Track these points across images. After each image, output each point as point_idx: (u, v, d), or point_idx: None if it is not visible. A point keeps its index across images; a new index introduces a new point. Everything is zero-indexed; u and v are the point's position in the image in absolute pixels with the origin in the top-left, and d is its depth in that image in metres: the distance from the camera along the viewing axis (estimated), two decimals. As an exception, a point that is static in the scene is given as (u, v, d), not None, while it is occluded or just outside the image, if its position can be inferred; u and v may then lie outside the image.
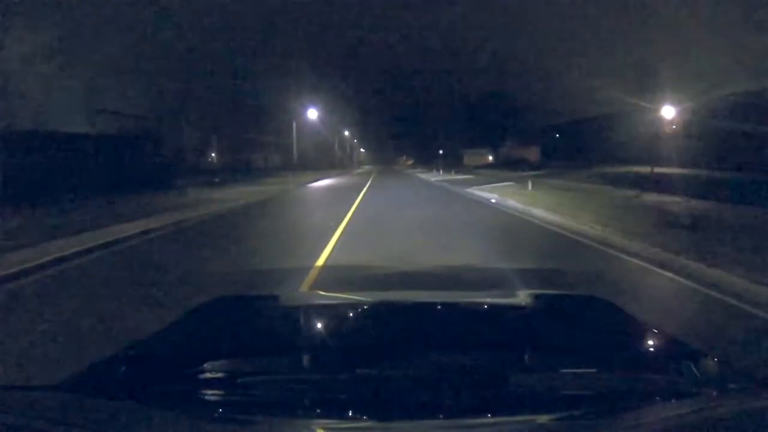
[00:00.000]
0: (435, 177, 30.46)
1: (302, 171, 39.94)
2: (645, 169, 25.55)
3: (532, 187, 15.64)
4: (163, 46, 29.84)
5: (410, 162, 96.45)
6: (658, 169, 18.69)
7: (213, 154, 47.58)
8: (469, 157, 62.60)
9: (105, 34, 24.33)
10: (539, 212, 10.02)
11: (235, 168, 42.73)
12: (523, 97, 50.04)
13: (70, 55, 20.58)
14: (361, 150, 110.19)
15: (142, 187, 18.22)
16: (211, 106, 40.76)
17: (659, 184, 14.67)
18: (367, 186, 22.62)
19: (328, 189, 22.51)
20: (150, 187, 18.65)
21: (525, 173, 30.75)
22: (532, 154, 51.33)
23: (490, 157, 61.70)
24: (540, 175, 27.91)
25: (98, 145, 21.04)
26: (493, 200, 13.30)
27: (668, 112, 18.06)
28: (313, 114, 44.48)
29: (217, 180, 29.09)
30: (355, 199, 15.02)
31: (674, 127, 19.01)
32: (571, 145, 47.00)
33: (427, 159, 74.88)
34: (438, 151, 78.03)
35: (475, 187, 18.09)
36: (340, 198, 15.82)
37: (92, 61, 22.56)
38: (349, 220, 9.80)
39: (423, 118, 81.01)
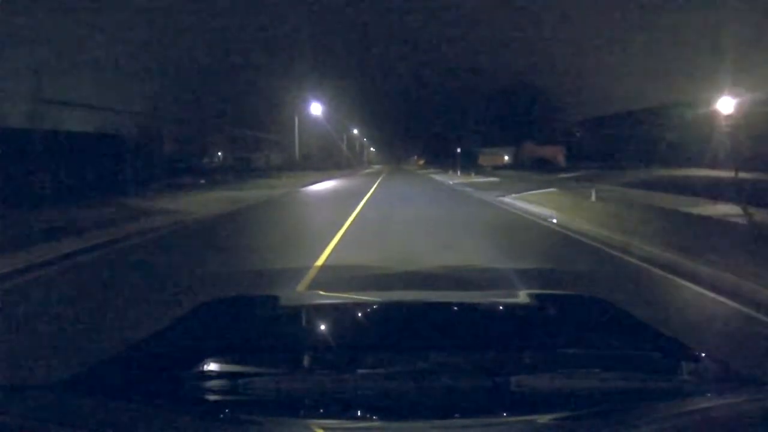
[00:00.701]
0: (453, 179, 26.17)
1: (304, 171, 36.89)
2: (706, 173, 21.19)
3: (596, 197, 11.41)
4: (144, 29, 26.33)
5: (421, 162, 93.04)
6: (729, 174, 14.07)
7: (219, 154, 44.48)
8: (485, 157, 58.25)
9: (71, 13, 20.80)
10: (663, 256, 5.81)
11: (233, 168, 39.37)
12: (547, 91, 45.48)
13: (13, 30, 16.96)
14: (371, 149, 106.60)
15: (95, 194, 14.54)
16: (204, 101, 37.58)
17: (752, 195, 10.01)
18: (371, 191, 18.53)
19: (325, 195, 18.53)
20: (105, 193, 14.99)
21: (561, 176, 26.39)
22: (557, 154, 46.68)
23: (506, 158, 58.00)
24: (579, 178, 23.62)
25: (49, 143, 17.41)
26: (554, 220, 9.08)
27: (729, 104, 12.95)
28: (316, 109, 40.94)
29: (203, 181, 25.56)
30: (352, 211, 10.95)
31: (738, 122, 14.29)
32: (602, 144, 42.24)
33: (439, 158, 71.21)
34: (451, 150, 74.40)
35: (511, 195, 13.88)
36: (332, 211, 11.63)
37: (44, 40, 18.92)
38: (326, 258, 5.76)
39: (436, 116, 76.95)
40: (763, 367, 2.62)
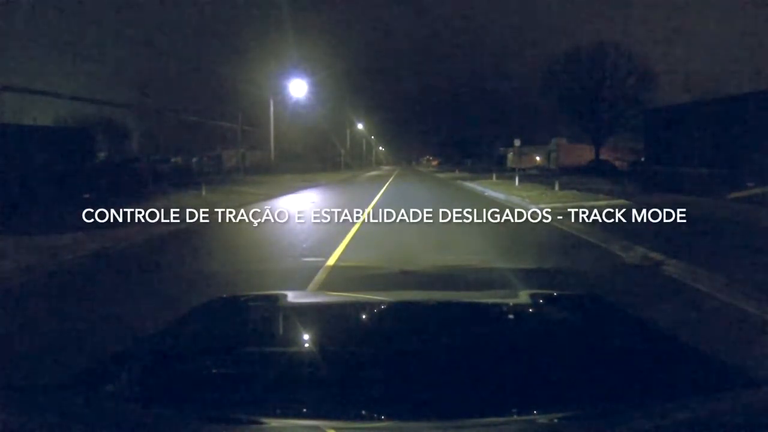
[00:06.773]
0: (527, 201, 14.27)
1: (282, 174, 27.35)
2: None
3: None
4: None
5: (435, 162, 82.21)
6: None
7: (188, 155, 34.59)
8: (520, 158, 46.78)
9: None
10: None
11: (199, 171, 28.81)
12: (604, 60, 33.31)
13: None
14: (380, 148, 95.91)
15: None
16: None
17: None
18: (345, 244, 7.27)
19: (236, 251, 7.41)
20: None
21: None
22: (626, 152, 34.65)
23: (537, 158, 48.25)
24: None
25: None
26: None
27: None
28: (300, 89, 29.94)
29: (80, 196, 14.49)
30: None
31: None
32: (694, 138, 29.88)
33: (456, 158, 62.15)
34: (465, 149, 64.75)
35: None
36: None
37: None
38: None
39: (455, 110, 66.09)
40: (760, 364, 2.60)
